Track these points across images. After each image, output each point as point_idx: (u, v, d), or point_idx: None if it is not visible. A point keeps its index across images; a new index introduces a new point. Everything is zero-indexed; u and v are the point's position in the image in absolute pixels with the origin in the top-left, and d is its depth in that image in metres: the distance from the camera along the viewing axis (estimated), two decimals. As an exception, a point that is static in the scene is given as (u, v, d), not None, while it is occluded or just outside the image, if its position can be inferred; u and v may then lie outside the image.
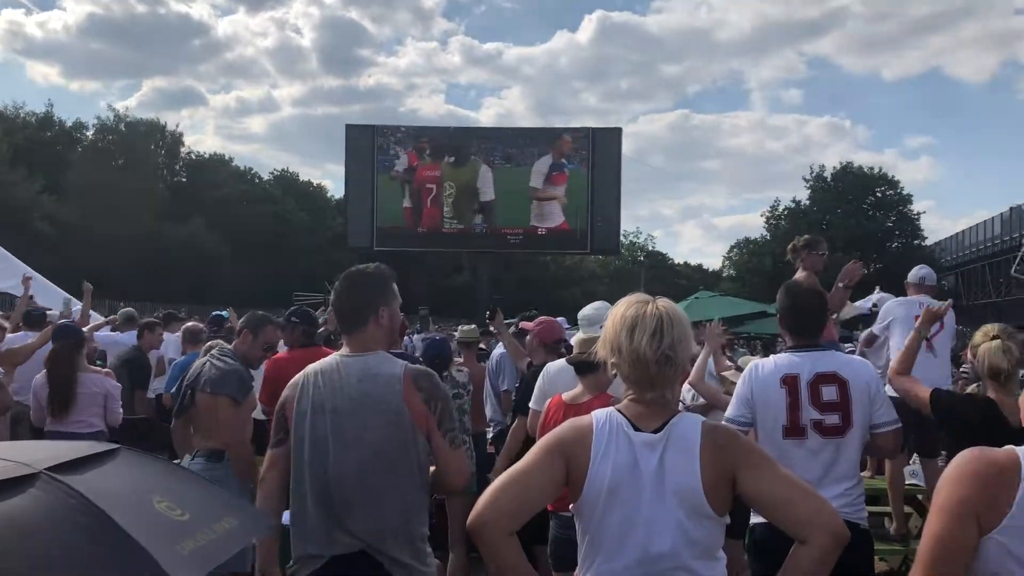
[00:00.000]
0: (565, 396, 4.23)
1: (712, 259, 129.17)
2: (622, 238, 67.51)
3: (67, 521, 1.54)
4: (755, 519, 3.42)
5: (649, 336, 2.12)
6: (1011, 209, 36.84)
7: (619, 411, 2.18)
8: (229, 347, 4.77)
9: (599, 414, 2.20)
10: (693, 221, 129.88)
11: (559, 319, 10.69)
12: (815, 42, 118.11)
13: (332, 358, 2.95)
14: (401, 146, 25.03)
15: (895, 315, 6.53)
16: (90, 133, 55.29)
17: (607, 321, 2.25)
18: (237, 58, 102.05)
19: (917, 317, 5.53)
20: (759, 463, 2.09)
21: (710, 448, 2.08)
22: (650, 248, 77.96)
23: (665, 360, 2.12)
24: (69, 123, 55.20)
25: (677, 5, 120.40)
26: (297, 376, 2.97)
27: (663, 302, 2.22)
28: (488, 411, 7.06)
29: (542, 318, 5.58)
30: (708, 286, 47.58)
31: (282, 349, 5.73)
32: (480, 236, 25.74)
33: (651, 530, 2.05)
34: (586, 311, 5.03)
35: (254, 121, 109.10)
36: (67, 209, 45.44)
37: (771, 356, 3.79)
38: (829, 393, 3.50)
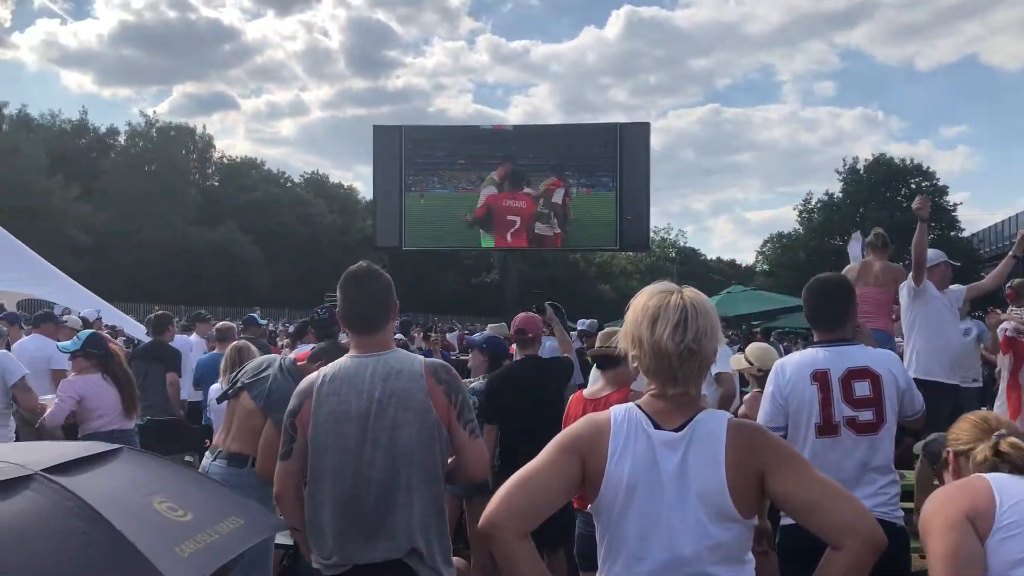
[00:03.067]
0: (586, 391, 4.14)
1: (745, 254, 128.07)
2: (653, 234, 67.46)
3: (61, 524, 1.50)
4: (785, 520, 3.31)
5: (672, 328, 1.98)
6: (1051, 198, 36.09)
7: (639, 407, 2.06)
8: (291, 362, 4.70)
9: (618, 410, 2.07)
10: (725, 216, 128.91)
11: (592, 319, 10.66)
12: (846, 33, 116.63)
13: (346, 361, 2.84)
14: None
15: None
16: (123, 139, 56.17)
17: (628, 311, 2.14)
18: (267, 62, 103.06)
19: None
20: (790, 463, 1.96)
21: (737, 447, 1.95)
22: (681, 244, 77.40)
23: (689, 354, 1.98)
24: (103, 129, 56.11)
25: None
26: (304, 385, 2.87)
27: (689, 292, 2.07)
28: None
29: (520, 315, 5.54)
30: (741, 281, 47.10)
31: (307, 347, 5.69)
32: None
33: (673, 533, 1.94)
34: None
35: (284, 124, 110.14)
36: (101, 215, 46.14)
37: (795, 352, 3.64)
38: (862, 389, 3.35)
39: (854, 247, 8.13)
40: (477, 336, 6.14)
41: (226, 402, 4.50)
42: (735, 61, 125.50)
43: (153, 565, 1.45)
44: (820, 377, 3.37)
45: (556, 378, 5.16)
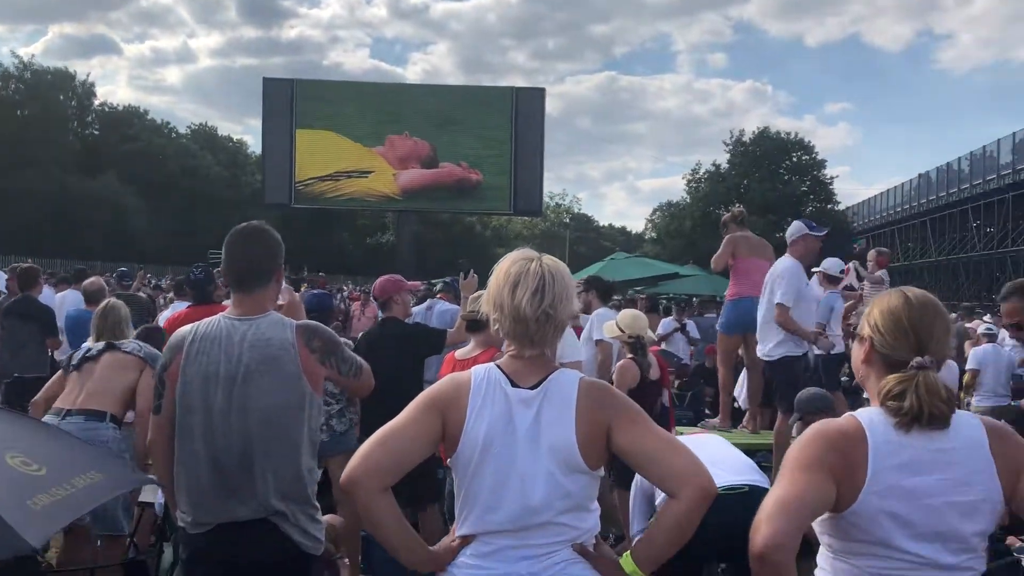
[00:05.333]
0: (457, 353, 4.26)
1: (636, 221, 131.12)
2: (548, 200, 68.28)
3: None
4: None
5: (531, 294, 2.10)
6: (919, 176, 38.15)
7: (498, 367, 2.18)
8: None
9: (478, 370, 2.18)
10: (618, 184, 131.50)
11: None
12: (741, 6, 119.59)
13: (219, 320, 2.84)
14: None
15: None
16: (-7, 81, 52.75)
17: (491, 277, 2.25)
18: (151, 5, 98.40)
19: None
20: (633, 418, 2.10)
21: (586, 404, 2.08)
22: (576, 210, 78.35)
23: (545, 318, 2.11)
24: (-31, 70, 52.55)
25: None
26: (175, 339, 2.86)
27: (548, 259, 2.20)
28: None
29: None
30: (631, 248, 48.19)
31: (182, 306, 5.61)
32: (403, 196, 25.46)
33: (525, 484, 2.05)
34: None
35: (170, 72, 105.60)
36: (-32, 162, 43.43)
37: None
38: None
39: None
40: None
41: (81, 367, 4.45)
42: (633, 29, 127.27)
43: (1, 517, 1.47)
44: None
45: (414, 344, 5.12)
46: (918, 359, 1.92)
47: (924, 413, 1.87)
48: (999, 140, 30.33)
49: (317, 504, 2.89)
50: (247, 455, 2.71)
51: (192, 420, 2.74)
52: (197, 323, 2.87)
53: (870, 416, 1.95)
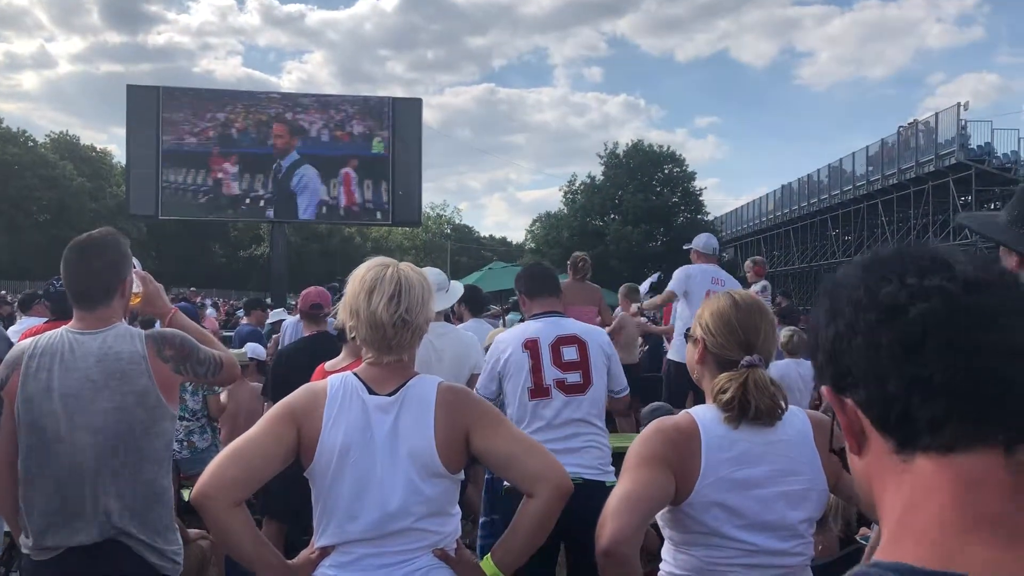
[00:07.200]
0: (327, 364, 4.21)
1: (516, 232, 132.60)
2: (429, 211, 68.13)
3: None
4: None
5: (387, 300, 2.09)
6: (782, 187, 40.05)
7: (356, 375, 2.17)
8: None
9: (335, 379, 2.16)
10: (499, 194, 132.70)
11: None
12: (614, 21, 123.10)
13: (62, 334, 2.70)
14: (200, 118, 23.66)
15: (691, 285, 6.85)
16: None
17: (348, 284, 2.24)
18: (5, 6, 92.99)
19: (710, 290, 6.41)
20: (491, 422, 2.13)
21: (445, 408, 2.10)
22: (457, 221, 78.51)
23: (402, 323, 2.10)
24: None
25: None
26: (13, 354, 2.71)
27: (405, 266, 2.20)
28: None
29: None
30: (512, 258, 48.57)
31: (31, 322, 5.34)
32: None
33: (384, 491, 2.06)
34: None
35: (26, 77, 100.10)
36: None
37: (512, 326, 4.04)
38: (570, 353, 3.73)
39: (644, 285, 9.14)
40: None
41: None
42: (510, 42, 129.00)
43: None
44: (531, 345, 3.73)
45: None
46: (747, 357, 2.06)
47: (753, 408, 2.00)
48: (854, 153, 32.18)
49: (174, 524, 2.81)
50: (94, 475, 2.58)
51: (33, 440, 2.60)
52: (37, 337, 2.72)
53: (704, 412, 2.07)
